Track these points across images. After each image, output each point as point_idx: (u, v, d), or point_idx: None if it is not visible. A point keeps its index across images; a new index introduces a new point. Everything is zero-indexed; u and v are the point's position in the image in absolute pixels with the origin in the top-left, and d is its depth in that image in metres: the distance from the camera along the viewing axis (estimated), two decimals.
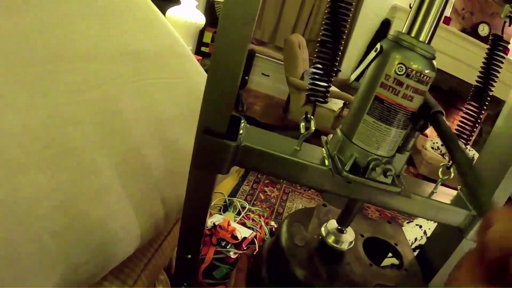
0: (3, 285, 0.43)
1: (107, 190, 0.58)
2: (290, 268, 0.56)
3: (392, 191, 0.48)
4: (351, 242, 0.61)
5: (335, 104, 3.28)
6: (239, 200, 2.12)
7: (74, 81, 0.58)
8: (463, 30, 4.00)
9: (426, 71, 0.44)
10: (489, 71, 0.57)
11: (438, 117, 0.47)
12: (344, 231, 0.61)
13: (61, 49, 0.58)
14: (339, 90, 3.23)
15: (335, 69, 0.48)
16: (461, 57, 3.98)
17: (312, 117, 0.47)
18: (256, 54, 4.46)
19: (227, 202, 2.08)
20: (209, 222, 1.61)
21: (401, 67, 0.43)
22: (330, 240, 0.60)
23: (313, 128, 0.47)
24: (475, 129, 0.59)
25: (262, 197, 2.29)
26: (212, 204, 1.89)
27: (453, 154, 0.45)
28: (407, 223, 1.94)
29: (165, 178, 0.71)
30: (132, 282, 0.76)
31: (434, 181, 0.60)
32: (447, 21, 3.91)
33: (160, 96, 0.76)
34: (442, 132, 0.46)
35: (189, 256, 0.56)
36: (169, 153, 0.73)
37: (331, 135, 0.53)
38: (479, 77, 0.58)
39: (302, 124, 0.48)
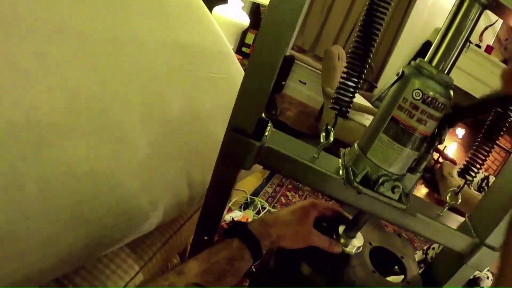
0: (38, 233, 0.47)
1: (142, 166, 0.63)
2: (297, 260, 0.60)
3: (397, 206, 0.52)
4: (358, 247, 0.65)
5: (367, 120, 3.27)
6: (260, 200, 2.16)
7: (129, 62, 0.64)
8: (504, 61, 3.89)
9: (442, 99, 0.47)
10: None
11: (458, 104, 0.50)
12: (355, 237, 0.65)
13: (120, 34, 0.64)
14: (370, 105, 3.22)
15: (359, 83, 0.52)
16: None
17: (331, 128, 0.52)
18: (296, 61, 4.48)
19: (249, 200, 2.12)
20: (228, 216, 1.67)
21: (418, 93, 0.47)
22: (341, 241, 0.65)
23: (332, 139, 0.52)
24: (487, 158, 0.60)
25: (283, 201, 2.32)
26: (233, 200, 1.96)
27: None
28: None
29: (194, 164, 0.76)
30: (147, 258, 0.81)
31: (457, 210, 0.62)
32: (489, 50, 3.77)
33: (203, 88, 0.82)
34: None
35: (206, 237, 0.61)
36: (202, 141, 0.78)
37: (349, 148, 0.58)
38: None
39: (323, 134, 0.53)
